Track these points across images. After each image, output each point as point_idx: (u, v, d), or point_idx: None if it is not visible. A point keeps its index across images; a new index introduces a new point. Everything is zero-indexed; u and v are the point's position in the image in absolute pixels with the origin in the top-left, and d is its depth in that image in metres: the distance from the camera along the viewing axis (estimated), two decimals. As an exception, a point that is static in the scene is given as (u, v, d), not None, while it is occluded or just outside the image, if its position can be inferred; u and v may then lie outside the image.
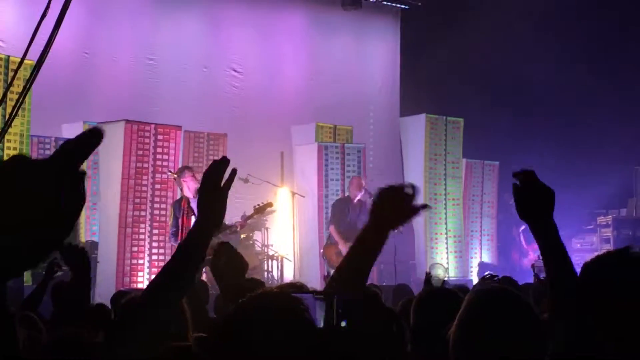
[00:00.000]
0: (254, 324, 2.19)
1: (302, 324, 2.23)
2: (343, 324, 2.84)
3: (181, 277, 2.75)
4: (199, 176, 12.34)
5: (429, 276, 5.62)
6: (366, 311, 2.94)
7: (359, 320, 2.83)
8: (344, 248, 13.50)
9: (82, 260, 4.81)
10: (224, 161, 2.76)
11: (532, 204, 3.08)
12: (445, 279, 14.14)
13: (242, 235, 12.71)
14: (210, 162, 2.81)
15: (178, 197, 12.27)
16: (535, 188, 3.08)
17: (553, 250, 3.06)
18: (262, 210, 12.63)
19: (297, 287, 3.64)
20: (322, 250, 13.95)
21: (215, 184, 2.75)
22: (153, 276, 2.97)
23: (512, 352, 2.62)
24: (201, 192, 2.77)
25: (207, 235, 2.79)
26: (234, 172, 2.80)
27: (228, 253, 3.81)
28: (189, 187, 11.76)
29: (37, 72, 4.24)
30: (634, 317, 2.70)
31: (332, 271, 13.25)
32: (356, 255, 3.02)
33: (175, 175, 12.40)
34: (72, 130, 13.92)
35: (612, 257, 2.92)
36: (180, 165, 13.04)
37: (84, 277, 4.87)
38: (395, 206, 2.98)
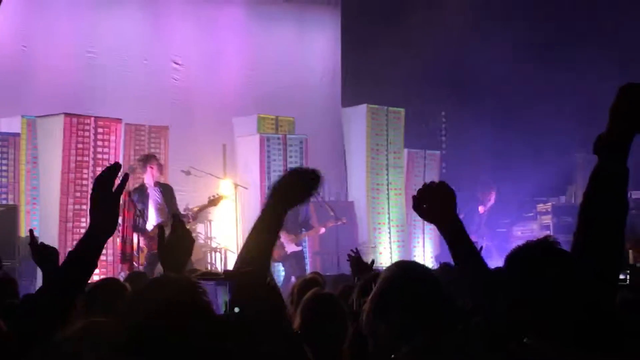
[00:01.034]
0: (148, 307, 2.18)
1: (196, 307, 2.22)
2: (236, 309, 2.87)
3: (71, 284, 2.71)
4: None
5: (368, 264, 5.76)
6: (261, 297, 2.96)
7: (253, 306, 2.86)
8: (284, 237, 13.55)
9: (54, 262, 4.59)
10: (116, 166, 2.76)
11: (432, 207, 3.21)
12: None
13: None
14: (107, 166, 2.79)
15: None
16: (432, 191, 3.22)
17: (460, 247, 3.22)
18: (216, 202, 12.63)
19: (211, 274, 3.66)
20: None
21: (107, 189, 2.73)
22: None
23: (417, 323, 2.65)
24: (93, 198, 2.75)
25: (100, 241, 2.76)
26: (125, 177, 2.83)
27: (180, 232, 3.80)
28: (153, 175, 11.86)
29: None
30: (549, 311, 2.75)
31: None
32: (258, 234, 3.08)
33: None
34: (10, 124, 13.75)
35: (531, 250, 2.96)
36: (121, 158, 12.97)
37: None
38: (296, 187, 3.14)
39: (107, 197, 2.73)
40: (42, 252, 4.43)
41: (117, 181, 2.78)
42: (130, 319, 2.22)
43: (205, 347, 2.21)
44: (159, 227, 3.80)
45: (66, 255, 2.75)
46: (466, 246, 3.26)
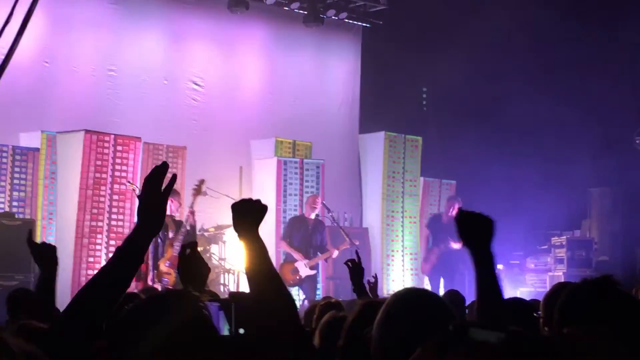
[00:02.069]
0: (149, 320, 2.20)
1: (199, 323, 2.24)
2: (241, 330, 2.91)
3: (118, 281, 2.75)
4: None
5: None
6: (264, 317, 2.99)
7: (257, 326, 2.89)
8: (303, 261, 13.59)
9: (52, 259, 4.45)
10: (164, 166, 2.82)
11: (473, 231, 3.25)
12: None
13: (200, 248, 12.66)
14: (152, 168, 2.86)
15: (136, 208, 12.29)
16: (475, 217, 3.26)
17: (486, 279, 3.27)
18: (199, 190, 12.54)
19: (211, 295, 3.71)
20: (278, 269, 13.97)
21: (156, 188, 2.79)
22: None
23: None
24: (142, 197, 2.81)
25: (147, 239, 2.82)
26: (174, 177, 2.88)
27: (196, 256, 3.86)
28: (171, 210, 11.84)
29: (-1, 79, 4.21)
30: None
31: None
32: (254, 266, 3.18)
33: (135, 187, 12.41)
34: (30, 139, 13.84)
35: (593, 286, 3.05)
36: (138, 177, 13.04)
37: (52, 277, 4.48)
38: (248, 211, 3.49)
39: (158, 196, 2.79)
40: (40, 249, 4.37)
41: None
42: (130, 334, 2.24)
43: None
44: (182, 247, 3.86)
45: (113, 252, 2.81)
46: (493, 274, 3.33)
